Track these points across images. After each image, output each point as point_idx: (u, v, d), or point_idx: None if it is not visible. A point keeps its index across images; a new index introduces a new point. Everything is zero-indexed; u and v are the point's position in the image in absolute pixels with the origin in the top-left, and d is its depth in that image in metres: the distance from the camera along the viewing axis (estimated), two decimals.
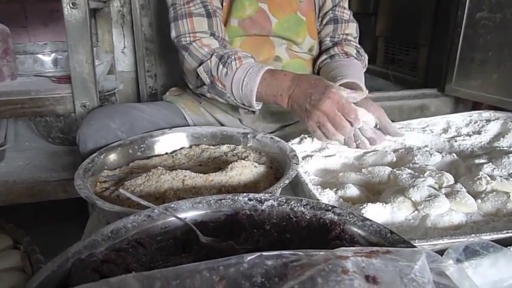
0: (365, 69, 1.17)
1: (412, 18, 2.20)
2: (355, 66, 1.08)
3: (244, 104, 0.96)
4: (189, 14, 0.98)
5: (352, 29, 1.19)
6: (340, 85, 0.97)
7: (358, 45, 1.19)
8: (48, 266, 0.47)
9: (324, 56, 1.14)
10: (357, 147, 0.93)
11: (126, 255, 0.50)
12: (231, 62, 0.92)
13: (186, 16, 0.98)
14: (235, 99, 0.95)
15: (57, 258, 0.48)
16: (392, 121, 1.10)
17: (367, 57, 1.19)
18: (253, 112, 0.99)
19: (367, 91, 0.90)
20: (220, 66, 0.93)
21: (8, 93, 1.07)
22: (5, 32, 1.15)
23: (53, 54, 1.27)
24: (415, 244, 0.47)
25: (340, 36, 1.17)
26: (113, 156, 0.86)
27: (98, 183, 0.79)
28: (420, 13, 2.12)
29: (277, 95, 0.88)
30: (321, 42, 1.19)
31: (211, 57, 0.95)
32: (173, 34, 1.01)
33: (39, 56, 1.26)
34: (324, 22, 1.18)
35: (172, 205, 0.58)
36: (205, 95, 1.04)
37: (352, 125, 0.82)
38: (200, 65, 0.96)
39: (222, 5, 1.07)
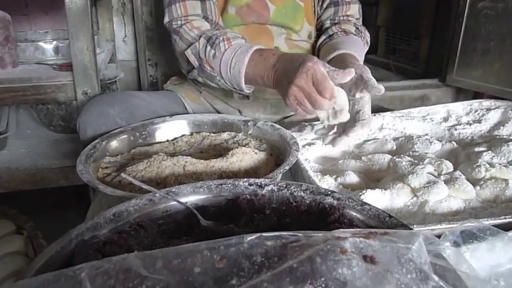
0: (367, 47, 1.13)
1: (414, 7, 2.19)
2: (352, 41, 1.05)
3: (235, 88, 0.93)
4: None
5: (354, 10, 1.15)
6: (334, 57, 0.95)
7: (360, 25, 1.15)
8: (51, 247, 0.48)
9: (322, 38, 1.12)
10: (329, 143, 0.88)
11: (128, 237, 0.50)
12: (219, 43, 0.89)
13: (180, 0, 0.96)
14: (225, 82, 0.92)
15: (60, 240, 0.49)
16: (392, 110, 1.11)
17: (368, 35, 1.15)
18: (248, 97, 0.97)
19: (367, 69, 0.82)
20: (208, 48, 0.90)
21: (10, 81, 1.07)
22: (6, 19, 1.15)
23: (54, 42, 1.27)
24: (413, 228, 0.48)
25: (341, 18, 1.14)
26: (114, 143, 0.87)
27: (100, 169, 0.79)
28: (422, 3, 2.10)
29: (264, 76, 0.85)
30: (321, 26, 1.16)
31: (199, 39, 0.92)
32: (166, 19, 0.99)
33: (41, 43, 1.26)
34: (325, 6, 1.15)
35: (174, 189, 0.59)
36: (197, 79, 1.02)
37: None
38: (189, 47, 0.94)
39: None
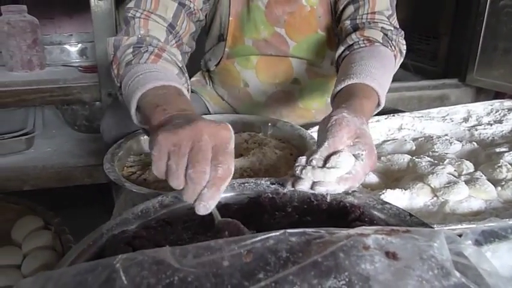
0: (400, 59, 0.90)
1: (433, 6, 2.16)
2: (374, 57, 0.79)
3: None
4: None
5: (383, 3, 0.88)
6: (341, 89, 0.72)
7: (390, 26, 0.88)
8: (84, 241, 0.50)
9: (341, 49, 0.86)
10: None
11: (155, 232, 0.53)
12: (144, 52, 0.70)
13: None
14: (123, 98, 0.71)
15: (91, 234, 0.52)
16: (411, 111, 1.08)
17: (403, 42, 0.91)
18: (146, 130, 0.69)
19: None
20: (129, 50, 0.72)
21: (38, 82, 1.11)
22: (34, 23, 1.19)
23: (79, 45, 1.31)
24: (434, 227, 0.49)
25: (364, 17, 0.88)
26: (138, 143, 0.90)
27: (125, 167, 0.82)
28: (441, 1, 2.08)
29: (159, 106, 0.59)
30: (341, 30, 0.92)
31: (132, 37, 0.75)
32: (130, 4, 0.80)
33: (66, 46, 1.30)
34: (344, 4, 0.92)
35: None
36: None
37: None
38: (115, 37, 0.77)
39: (228, 19, 0.96)
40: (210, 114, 1.12)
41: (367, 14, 0.88)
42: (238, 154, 0.86)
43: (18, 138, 1.27)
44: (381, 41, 0.84)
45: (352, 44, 0.85)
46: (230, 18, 0.96)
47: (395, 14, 0.92)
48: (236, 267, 0.37)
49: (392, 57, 0.85)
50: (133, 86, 0.65)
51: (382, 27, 0.86)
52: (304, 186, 0.55)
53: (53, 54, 1.28)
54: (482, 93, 1.73)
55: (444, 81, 1.77)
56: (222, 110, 1.12)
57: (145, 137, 0.90)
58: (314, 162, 0.55)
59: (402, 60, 0.92)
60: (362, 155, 0.56)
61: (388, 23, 0.88)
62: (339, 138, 0.57)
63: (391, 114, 1.03)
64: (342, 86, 0.72)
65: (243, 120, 0.99)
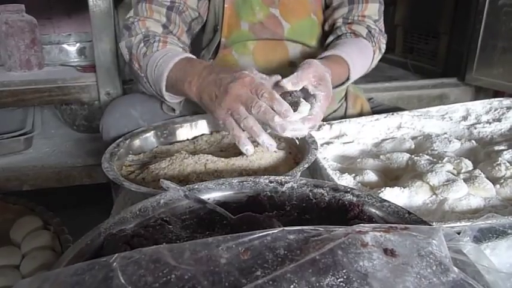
0: (378, 55, 1.03)
1: (432, 6, 2.17)
2: (357, 44, 0.94)
3: (159, 94, 0.86)
4: (149, 0, 0.92)
5: (373, 9, 1.02)
6: (323, 57, 0.86)
7: (376, 28, 1.02)
8: (82, 240, 0.50)
9: (330, 38, 1.02)
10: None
11: (154, 231, 0.53)
12: (153, 42, 0.85)
13: (147, 1, 0.92)
14: (151, 86, 0.86)
15: (89, 233, 0.52)
16: (410, 110, 1.09)
17: (383, 42, 1.05)
18: (173, 109, 0.92)
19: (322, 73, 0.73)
20: (141, 44, 0.86)
21: (37, 82, 1.11)
22: (32, 23, 1.19)
23: (78, 44, 1.31)
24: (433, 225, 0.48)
25: (356, 18, 1.02)
26: (137, 142, 0.90)
27: (124, 166, 0.82)
28: (440, 1, 2.08)
29: (185, 81, 0.76)
30: (333, 25, 1.04)
31: (138, 35, 0.88)
32: (130, 14, 0.93)
33: (64, 46, 1.30)
34: (338, 2, 1.03)
35: (196, 186, 0.61)
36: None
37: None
38: (124, 40, 0.90)
39: (223, 7, 1.00)
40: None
41: (358, 16, 1.02)
42: (237, 153, 0.85)
43: (17, 138, 1.27)
44: (365, 36, 0.98)
45: (340, 35, 1.00)
46: (225, 6, 1.00)
47: (382, 19, 1.06)
48: (234, 265, 0.37)
49: (372, 51, 0.99)
50: (158, 71, 0.81)
51: (368, 26, 1.00)
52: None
53: (51, 54, 1.28)
54: (481, 92, 1.73)
55: (443, 81, 1.77)
56: None
57: (145, 135, 0.91)
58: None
59: (380, 57, 1.06)
60: (320, 96, 0.71)
61: (375, 26, 1.02)
62: (306, 74, 0.71)
63: (390, 113, 1.03)
64: (321, 56, 0.87)
65: None
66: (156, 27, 0.90)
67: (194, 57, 0.82)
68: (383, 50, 1.05)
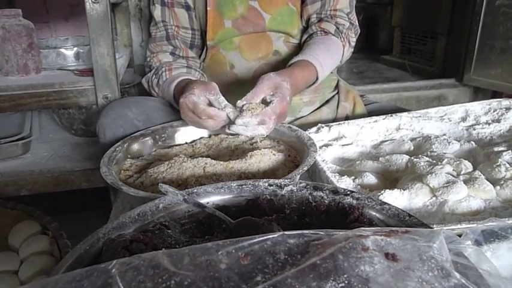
0: (349, 49, 1.10)
1: (430, 7, 2.17)
2: (323, 42, 1.03)
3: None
4: (153, 39, 1.11)
5: (343, 3, 1.09)
6: (292, 63, 0.97)
7: (347, 21, 1.09)
8: (80, 246, 0.50)
9: (304, 36, 1.10)
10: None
11: (153, 236, 0.52)
12: (161, 73, 1.04)
13: (151, 41, 1.11)
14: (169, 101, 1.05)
15: (88, 239, 0.51)
16: (409, 111, 1.10)
17: (353, 35, 1.11)
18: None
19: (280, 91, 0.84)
20: (153, 77, 1.07)
21: (34, 86, 1.10)
22: (29, 27, 1.18)
23: (75, 48, 1.30)
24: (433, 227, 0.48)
25: (328, 13, 1.09)
26: (135, 146, 0.89)
27: (122, 170, 0.81)
28: (437, 2, 2.09)
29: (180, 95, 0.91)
30: (308, 22, 1.12)
31: (152, 69, 1.08)
32: (147, 54, 1.13)
33: (62, 50, 1.30)
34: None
35: (195, 190, 0.61)
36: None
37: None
38: (144, 77, 1.11)
39: (206, 11, 1.08)
40: None
41: (330, 10, 1.09)
42: (235, 156, 0.85)
43: (15, 143, 1.26)
44: (333, 33, 1.06)
45: (312, 34, 1.08)
46: (208, 9, 1.07)
47: (354, 11, 1.12)
48: (234, 270, 0.36)
49: (341, 46, 1.07)
50: (167, 93, 1.01)
51: (336, 22, 1.08)
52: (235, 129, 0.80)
53: (48, 58, 1.27)
54: (479, 93, 1.74)
55: (441, 81, 1.77)
56: None
57: (143, 139, 0.92)
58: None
59: (352, 50, 1.13)
60: (274, 100, 0.81)
61: (347, 19, 1.10)
62: (260, 88, 0.83)
63: (389, 115, 1.03)
64: (291, 62, 0.98)
65: None
66: (167, 57, 1.09)
67: (189, 76, 1.02)
68: (353, 44, 1.12)
